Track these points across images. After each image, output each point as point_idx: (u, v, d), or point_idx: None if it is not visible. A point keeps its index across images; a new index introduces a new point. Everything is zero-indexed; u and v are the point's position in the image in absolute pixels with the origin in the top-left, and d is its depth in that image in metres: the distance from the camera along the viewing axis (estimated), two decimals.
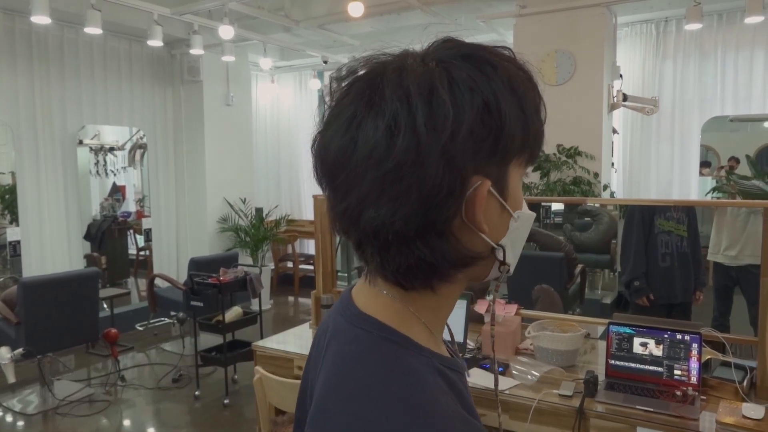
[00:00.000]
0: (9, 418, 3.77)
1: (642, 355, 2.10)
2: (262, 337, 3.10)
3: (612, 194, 4.75)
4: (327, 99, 0.58)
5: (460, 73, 0.52)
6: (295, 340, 2.82)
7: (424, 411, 0.51)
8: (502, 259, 0.58)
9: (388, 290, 0.58)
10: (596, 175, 4.45)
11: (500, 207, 0.56)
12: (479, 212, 0.53)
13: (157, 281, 5.01)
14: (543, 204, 4.59)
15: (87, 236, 6.01)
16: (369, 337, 0.57)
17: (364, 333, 0.57)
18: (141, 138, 6.38)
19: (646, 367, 2.09)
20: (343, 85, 0.57)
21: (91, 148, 6.42)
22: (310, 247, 7.37)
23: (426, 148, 0.50)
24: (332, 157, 0.54)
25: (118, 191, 6.76)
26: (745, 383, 1.98)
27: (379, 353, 0.55)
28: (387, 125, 0.51)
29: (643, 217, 3.24)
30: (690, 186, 5.02)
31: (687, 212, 3.16)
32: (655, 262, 3.20)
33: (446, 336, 0.66)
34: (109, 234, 6.45)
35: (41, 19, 3.99)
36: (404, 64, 0.54)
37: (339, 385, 0.54)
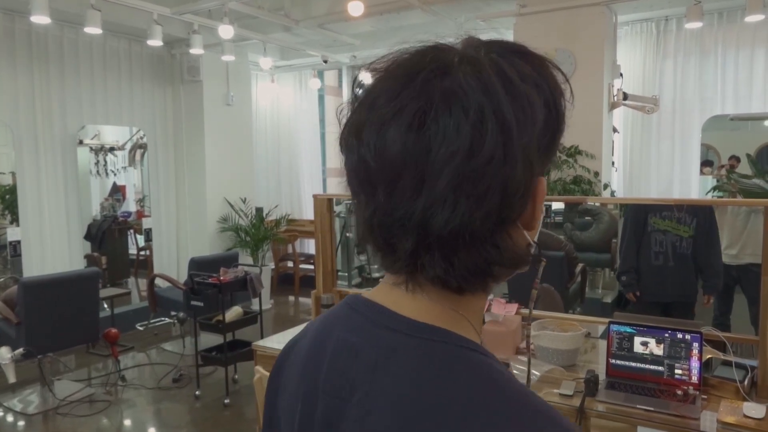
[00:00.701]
0: (9, 418, 3.77)
1: (643, 354, 2.10)
2: (262, 337, 3.10)
3: (612, 193, 4.74)
4: (362, 94, 0.54)
5: (524, 68, 0.51)
6: None
7: (546, 411, 0.50)
8: (538, 254, 0.57)
9: (437, 295, 0.55)
10: (597, 174, 4.45)
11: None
12: (539, 211, 0.54)
13: (158, 281, 5.01)
14: (543, 203, 4.58)
15: (87, 236, 6.01)
16: (448, 348, 0.52)
17: (442, 345, 0.52)
18: (141, 138, 6.38)
19: (647, 366, 2.09)
20: (383, 76, 0.53)
21: (91, 148, 6.42)
22: (310, 246, 7.37)
23: (515, 144, 0.49)
24: (395, 157, 0.49)
25: (118, 191, 6.76)
26: (746, 382, 1.98)
27: (471, 364, 0.52)
28: (473, 120, 0.48)
29: (637, 215, 3.28)
30: (690, 185, 5.01)
31: (694, 213, 3.11)
32: (647, 260, 3.23)
33: None
34: (110, 234, 6.45)
35: (41, 19, 3.98)
36: (469, 55, 0.51)
37: (444, 405, 0.49)
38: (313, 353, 0.60)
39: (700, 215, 3.12)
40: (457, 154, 0.48)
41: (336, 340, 0.57)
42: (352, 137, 0.53)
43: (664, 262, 3.18)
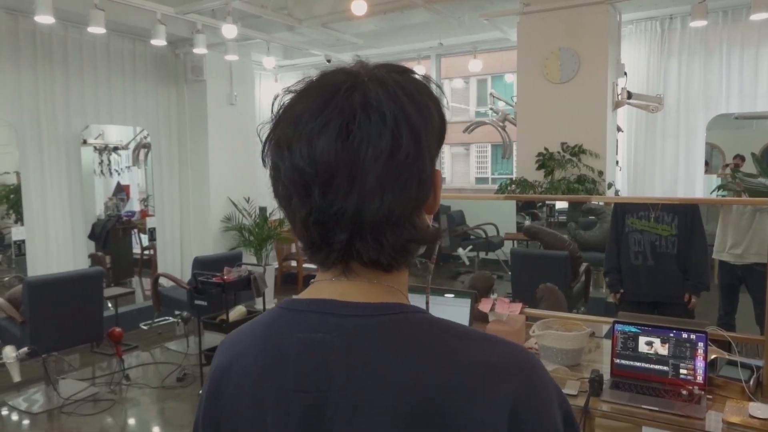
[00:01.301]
0: (14, 417, 3.78)
1: (647, 354, 2.09)
2: None
3: (616, 192, 4.73)
4: (282, 113, 0.62)
5: (417, 84, 0.63)
6: None
7: (489, 335, 0.63)
8: (438, 232, 0.68)
9: (373, 277, 0.63)
10: (601, 173, 4.43)
11: None
12: (438, 196, 0.66)
13: (162, 280, 5.02)
14: (547, 202, 4.58)
15: (91, 236, 6.03)
16: (408, 317, 0.62)
17: (402, 315, 0.61)
18: (145, 137, 6.39)
19: (652, 366, 2.08)
20: (304, 98, 0.62)
21: (95, 148, 6.44)
22: None
23: (422, 143, 0.60)
24: (328, 162, 0.58)
25: (122, 191, 6.78)
26: (751, 382, 1.97)
27: (431, 321, 0.62)
28: (391, 126, 0.58)
29: (616, 215, 3.28)
30: (695, 184, 5.00)
31: (675, 211, 3.06)
32: (627, 260, 3.22)
33: None
34: (114, 233, 6.47)
35: (45, 19, 3.99)
36: (374, 74, 0.62)
37: (433, 360, 0.58)
38: (269, 364, 0.63)
39: (681, 213, 3.06)
40: (382, 154, 0.58)
41: (296, 341, 0.61)
42: (283, 150, 0.60)
43: (643, 262, 3.17)
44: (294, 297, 0.66)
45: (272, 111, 0.64)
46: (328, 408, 0.58)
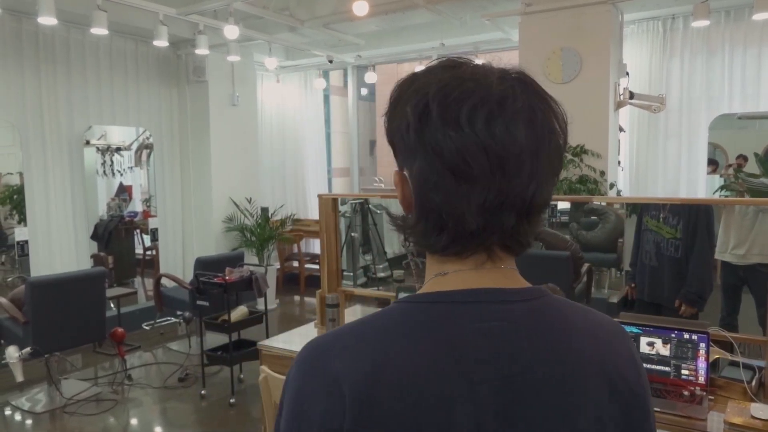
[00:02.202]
0: (17, 417, 3.79)
1: (649, 354, 2.09)
2: (267, 337, 3.11)
3: (618, 192, 4.72)
4: (443, 89, 0.60)
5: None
6: (301, 340, 2.82)
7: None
8: None
9: (509, 263, 0.66)
10: (603, 173, 4.43)
11: None
12: None
13: (164, 281, 5.03)
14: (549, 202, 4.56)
15: (94, 236, 6.05)
16: (554, 299, 0.67)
17: (549, 296, 0.66)
18: (147, 138, 6.40)
19: (654, 366, 2.08)
20: (494, 81, 0.61)
21: (97, 149, 6.46)
22: (315, 246, 7.38)
23: (565, 140, 0.65)
24: (521, 144, 0.60)
25: (124, 191, 6.80)
26: (753, 383, 1.96)
27: (571, 303, 0.69)
28: (560, 119, 0.64)
29: (639, 212, 3.32)
30: (697, 184, 4.98)
31: (679, 213, 3.00)
32: (641, 258, 3.26)
33: None
34: (116, 234, 6.49)
35: (48, 20, 4.00)
36: (507, 72, 0.64)
37: (601, 327, 0.68)
38: (441, 359, 0.58)
39: (685, 216, 2.99)
40: (559, 146, 0.63)
41: (473, 332, 0.60)
42: (482, 127, 0.59)
43: (649, 262, 3.18)
44: (431, 292, 0.64)
45: (409, 87, 0.64)
46: (523, 394, 0.60)
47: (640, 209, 3.30)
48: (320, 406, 0.58)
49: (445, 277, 0.64)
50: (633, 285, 3.33)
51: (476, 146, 0.59)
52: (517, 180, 0.60)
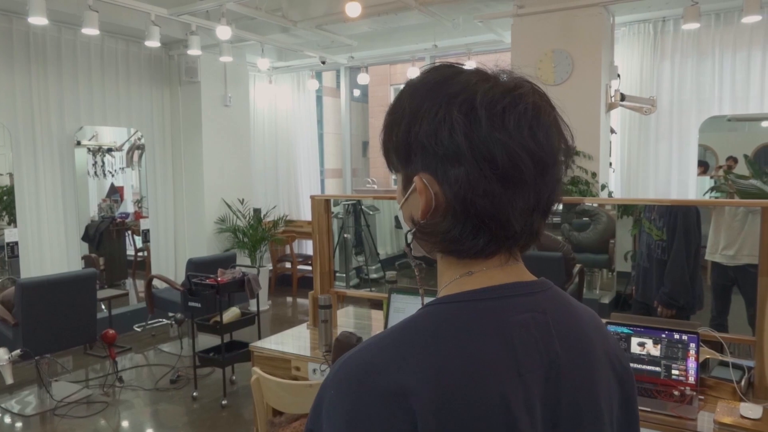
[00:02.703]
0: (7, 420, 3.76)
1: (640, 355, 2.10)
2: (260, 338, 3.10)
3: (610, 194, 4.75)
4: (484, 97, 0.62)
5: None
6: (293, 341, 2.82)
7: None
8: None
9: (519, 258, 0.69)
10: (594, 174, 4.45)
11: None
12: None
13: (155, 282, 5.01)
14: None
15: (85, 237, 6.01)
16: (557, 288, 0.71)
17: (555, 288, 0.71)
18: (139, 139, 6.37)
19: (644, 367, 2.09)
20: (527, 92, 0.65)
21: (89, 149, 6.42)
22: (308, 247, 7.37)
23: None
24: (555, 149, 0.64)
25: (116, 192, 6.76)
26: (743, 383, 1.98)
27: (566, 293, 0.73)
28: (569, 128, 0.67)
29: (640, 213, 3.33)
30: (688, 185, 5.02)
31: (665, 215, 3.02)
32: (637, 259, 3.30)
33: None
34: (107, 235, 6.45)
35: (39, 20, 3.98)
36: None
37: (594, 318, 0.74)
38: (497, 357, 0.59)
39: (668, 218, 3.02)
40: (566, 150, 0.66)
41: (515, 326, 0.62)
42: (528, 134, 0.61)
43: (642, 263, 3.20)
44: (467, 291, 0.64)
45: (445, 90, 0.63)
46: (559, 380, 0.63)
47: (642, 210, 3.30)
48: (385, 425, 0.54)
49: (472, 276, 0.65)
50: (635, 286, 3.34)
51: (525, 151, 0.61)
52: (550, 183, 0.64)
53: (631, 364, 2.09)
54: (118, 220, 6.65)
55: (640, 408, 2.03)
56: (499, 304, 0.63)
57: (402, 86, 0.70)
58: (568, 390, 0.64)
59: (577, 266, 3.78)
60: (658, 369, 2.07)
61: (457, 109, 0.61)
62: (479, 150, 0.60)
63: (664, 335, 2.08)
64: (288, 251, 7.30)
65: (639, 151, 5.17)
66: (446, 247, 0.66)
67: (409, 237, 0.69)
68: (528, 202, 0.63)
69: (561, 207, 4.46)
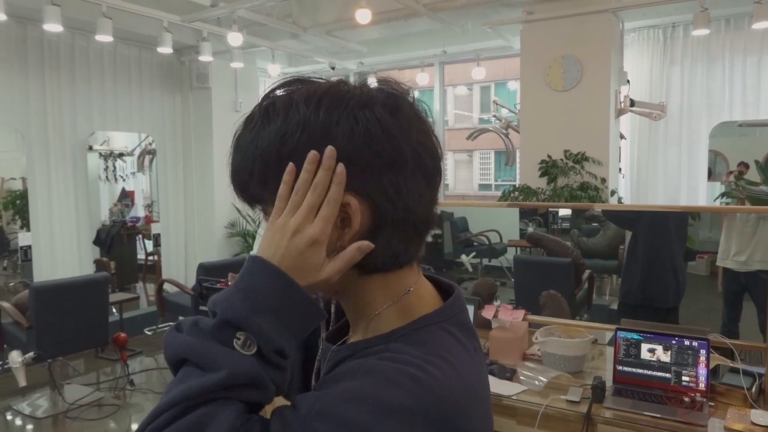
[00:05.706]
0: (19, 422, 3.80)
1: (650, 361, 2.10)
2: None
3: (619, 200, 4.74)
4: (408, 115, 0.62)
5: None
6: None
7: None
8: None
9: None
10: (603, 180, 4.45)
11: None
12: None
13: (166, 286, 5.04)
14: (550, 209, 4.59)
15: (96, 241, 6.06)
16: None
17: None
18: (150, 144, 6.43)
19: (654, 373, 2.09)
20: (400, 95, 0.65)
21: (100, 154, 6.49)
22: None
23: None
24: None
25: (127, 196, 6.81)
26: (753, 390, 1.97)
27: None
28: None
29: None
30: (698, 191, 5.00)
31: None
32: None
33: None
34: (119, 239, 6.50)
35: (53, 27, 4.03)
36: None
37: None
38: (483, 370, 0.69)
39: (667, 222, 3.11)
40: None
41: (472, 333, 0.70)
42: (433, 138, 0.64)
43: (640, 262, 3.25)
44: (436, 311, 0.64)
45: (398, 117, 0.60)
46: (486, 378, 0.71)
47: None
48: None
49: (412, 294, 0.63)
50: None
51: (437, 152, 0.63)
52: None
53: (642, 371, 2.10)
54: (129, 224, 6.70)
55: (650, 414, 2.03)
56: (462, 316, 0.67)
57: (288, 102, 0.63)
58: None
59: (587, 272, 3.78)
60: (668, 375, 2.07)
61: (379, 114, 0.57)
62: (410, 153, 0.58)
63: (674, 341, 2.08)
64: None
65: (649, 157, 5.15)
66: (379, 264, 0.60)
67: (334, 272, 0.58)
68: (435, 198, 0.64)
69: (570, 212, 4.47)
